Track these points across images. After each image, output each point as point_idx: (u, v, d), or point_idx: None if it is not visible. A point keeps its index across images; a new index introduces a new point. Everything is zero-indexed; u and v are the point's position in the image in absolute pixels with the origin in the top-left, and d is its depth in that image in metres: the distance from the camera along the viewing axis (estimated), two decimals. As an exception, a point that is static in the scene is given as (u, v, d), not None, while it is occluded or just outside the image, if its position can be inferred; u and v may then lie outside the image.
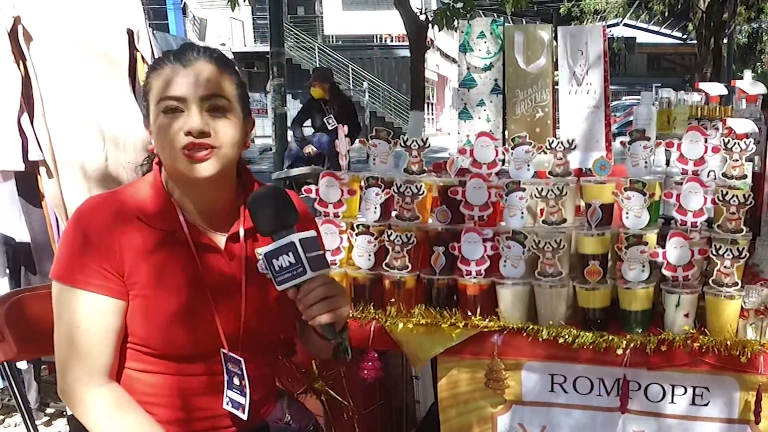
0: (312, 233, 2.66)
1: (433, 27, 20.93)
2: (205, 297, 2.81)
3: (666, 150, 3.97)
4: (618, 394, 3.53)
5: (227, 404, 2.87)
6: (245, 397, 2.85)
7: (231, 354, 2.84)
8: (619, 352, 3.42)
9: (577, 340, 3.47)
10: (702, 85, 4.54)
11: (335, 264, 3.90)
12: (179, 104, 2.69)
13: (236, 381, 2.86)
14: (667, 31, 61.44)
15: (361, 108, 42.93)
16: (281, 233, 2.61)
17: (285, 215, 2.67)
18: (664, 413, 3.55)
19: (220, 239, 2.90)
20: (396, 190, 3.84)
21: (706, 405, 3.50)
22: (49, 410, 6.07)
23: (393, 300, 3.80)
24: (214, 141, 2.71)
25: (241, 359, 2.83)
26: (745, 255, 3.40)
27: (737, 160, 3.62)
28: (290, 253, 2.58)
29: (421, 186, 3.81)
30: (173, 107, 2.69)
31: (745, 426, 3.47)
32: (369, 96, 45.45)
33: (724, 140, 3.64)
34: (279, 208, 2.67)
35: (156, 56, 3.75)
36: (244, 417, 2.86)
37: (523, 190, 3.68)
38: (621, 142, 3.74)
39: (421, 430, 4.62)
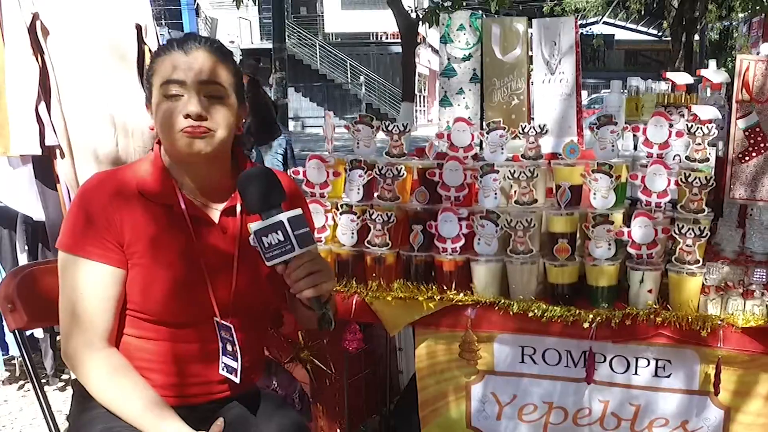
0: (299, 212, 2.63)
1: (423, 24, 20.93)
2: (199, 267, 2.80)
3: (633, 135, 3.93)
4: (584, 366, 3.53)
5: (222, 369, 2.87)
6: (237, 362, 2.84)
7: (223, 322, 2.83)
8: (586, 325, 3.42)
9: (546, 314, 3.47)
10: (669, 75, 4.50)
11: (321, 241, 3.91)
12: (180, 88, 2.70)
13: (229, 347, 2.86)
14: (644, 29, 61.47)
15: (358, 100, 43.16)
16: (270, 212, 2.59)
17: (273, 195, 2.64)
18: (628, 384, 3.54)
19: (215, 214, 2.89)
20: (378, 173, 3.83)
21: (668, 377, 3.49)
22: (65, 376, 6.06)
23: (374, 275, 3.81)
24: (210, 125, 2.72)
25: (231, 326, 2.82)
26: (707, 234, 3.38)
27: (700, 144, 3.59)
28: (279, 231, 2.56)
29: (401, 168, 3.80)
30: (174, 91, 2.71)
31: (705, 397, 3.46)
32: (365, 89, 45.79)
33: (687, 125, 3.61)
34: (267, 188, 2.64)
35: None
36: (237, 380, 2.85)
37: (497, 172, 3.66)
38: (590, 127, 3.71)
39: (403, 398, 4.59)
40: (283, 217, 2.56)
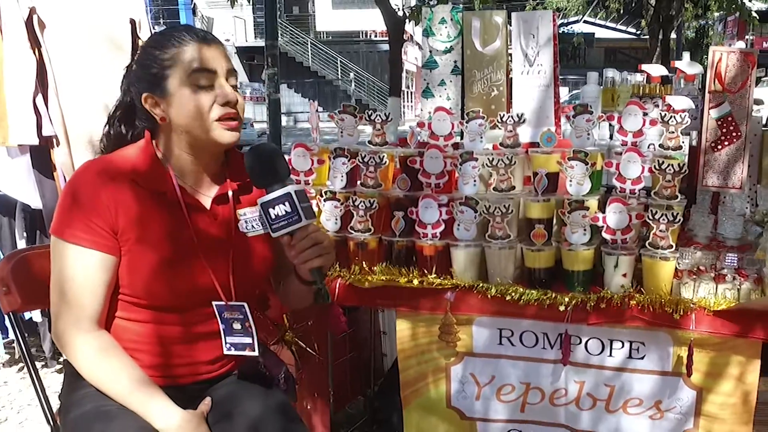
0: (302, 186, 2.72)
1: (410, 22, 20.96)
2: (195, 253, 2.80)
3: (609, 124, 3.92)
4: (561, 348, 3.52)
5: (229, 350, 2.90)
6: (251, 336, 2.88)
7: (229, 303, 2.85)
8: (562, 308, 3.40)
9: (523, 297, 3.45)
10: (645, 67, 4.48)
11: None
12: (211, 76, 2.73)
13: (236, 326, 2.88)
14: (623, 28, 61.75)
15: (348, 96, 43.44)
16: (275, 186, 2.61)
17: (280, 169, 2.66)
18: (603, 366, 3.53)
19: (207, 201, 2.88)
20: (361, 160, 3.84)
21: (642, 358, 3.47)
22: (62, 359, 5.99)
23: (357, 259, 3.80)
24: (238, 111, 2.79)
25: (244, 304, 2.85)
26: (680, 220, 3.37)
27: (673, 133, 3.59)
28: (286, 203, 2.60)
29: (383, 156, 3.81)
30: (205, 80, 2.72)
31: (678, 378, 3.45)
32: (355, 85, 46.03)
33: (661, 114, 3.61)
34: (274, 163, 2.67)
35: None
36: (256, 353, 2.90)
37: (476, 159, 3.65)
38: (566, 116, 3.70)
39: (386, 380, 4.59)
40: (291, 189, 2.60)
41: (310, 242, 2.67)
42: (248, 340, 2.87)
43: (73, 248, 2.68)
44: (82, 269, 2.68)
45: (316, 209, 3.80)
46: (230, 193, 2.90)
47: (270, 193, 2.60)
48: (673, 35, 29.25)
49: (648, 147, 3.72)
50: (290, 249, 2.68)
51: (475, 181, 3.65)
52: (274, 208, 2.59)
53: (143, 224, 2.73)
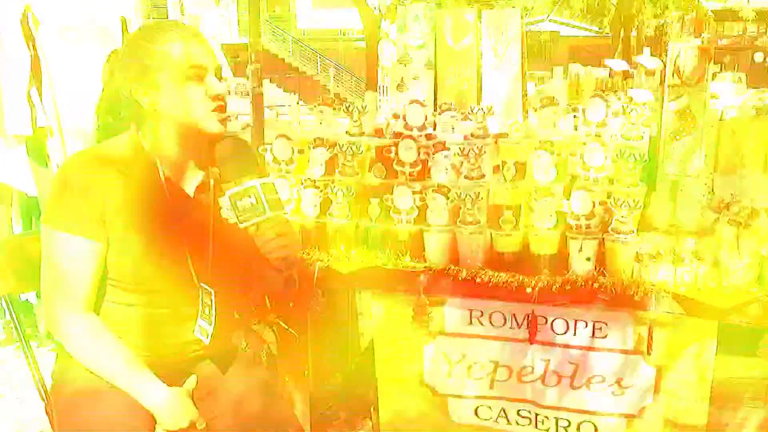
0: (271, 178, 2.67)
1: (385, 20, 21.00)
2: (178, 239, 2.79)
3: (574, 116, 3.92)
4: (527, 327, 3.52)
5: (197, 331, 2.86)
6: (211, 326, 2.86)
7: (207, 288, 2.85)
8: (529, 290, 3.40)
9: (492, 280, 3.45)
10: (607, 62, 4.50)
11: (286, 213, 3.83)
12: (203, 71, 2.73)
13: (207, 311, 2.86)
14: (586, 26, 61.88)
15: (327, 91, 43.47)
16: (243, 178, 2.61)
17: (248, 162, 2.69)
18: (567, 344, 3.54)
19: (191, 189, 2.87)
20: (339, 150, 3.83)
21: (605, 338, 3.48)
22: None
23: (335, 244, 3.80)
24: (225, 104, 2.77)
25: (212, 291, 2.84)
26: (640, 206, 3.38)
27: (635, 123, 3.61)
28: (252, 196, 2.59)
29: (360, 146, 3.81)
30: (197, 74, 2.72)
31: (638, 357, 3.45)
32: (334, 80, 46.09)
33: (623, 105, 3.63)
34: (243, 155, 2.70)
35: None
36: (207, 342, 2.85)
37: (448, 149, 3.67)
38: (533, 108, 3.72)
39: (362, 359, 4.57)
40: (257, 182, 2.59)
41: (274, 234, 2.66)
42: (208, 328, 2.86)
43: (62, 236, 2.66)
44: (70, 256, 2.67)
45: (296, 196, 3.83)
46: (212, 182, 2.87)
47: (238, 185, 2.60)
48: (634, 33, 29.40)
49: (610, 137, 3.73)
50: (257, 239, 2.67)
51: (447, 169, 3.67)
52: (241, 200, 2.59)
53: (129, 212, 2.72)
